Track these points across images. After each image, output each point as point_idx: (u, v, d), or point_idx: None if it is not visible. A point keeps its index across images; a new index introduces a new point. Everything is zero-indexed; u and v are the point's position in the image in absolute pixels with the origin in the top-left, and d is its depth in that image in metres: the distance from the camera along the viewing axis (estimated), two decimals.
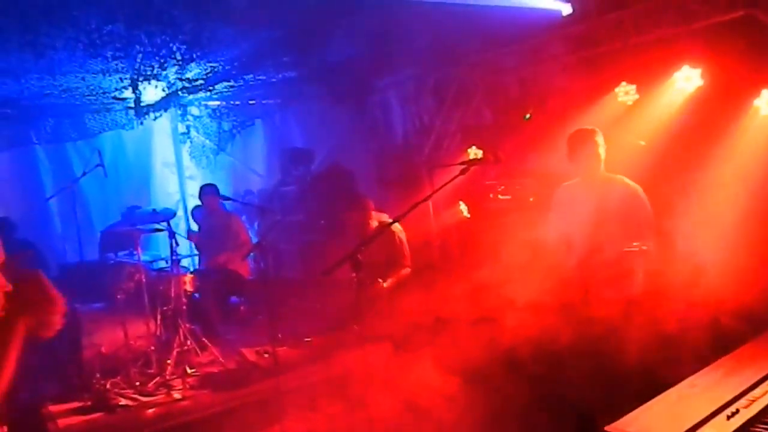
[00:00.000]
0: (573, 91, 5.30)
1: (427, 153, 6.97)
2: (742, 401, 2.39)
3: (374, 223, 5.22)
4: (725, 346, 3.11)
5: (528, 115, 5.65)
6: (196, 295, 6.06)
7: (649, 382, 3.61)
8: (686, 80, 4.42)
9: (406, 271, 5.25)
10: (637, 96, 4.81)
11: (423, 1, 4.86)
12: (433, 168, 4.65)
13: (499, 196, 5.79)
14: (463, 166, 3.40)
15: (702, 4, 4.26)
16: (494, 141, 5.40)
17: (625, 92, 4.84)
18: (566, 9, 4.80)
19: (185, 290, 5.82)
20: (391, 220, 3.64)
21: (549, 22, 4.96)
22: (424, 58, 6.66)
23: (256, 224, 7.91)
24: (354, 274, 3.44)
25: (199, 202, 7.12)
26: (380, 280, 4.92)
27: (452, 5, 4.83)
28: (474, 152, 5.88)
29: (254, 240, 7.12)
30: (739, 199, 4.30)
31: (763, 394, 2.41)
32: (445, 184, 3.38)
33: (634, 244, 3.51)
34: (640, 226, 3.66)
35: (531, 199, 5.51)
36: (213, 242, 6.50)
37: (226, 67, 6.85)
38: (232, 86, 7.60)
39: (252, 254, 6.26)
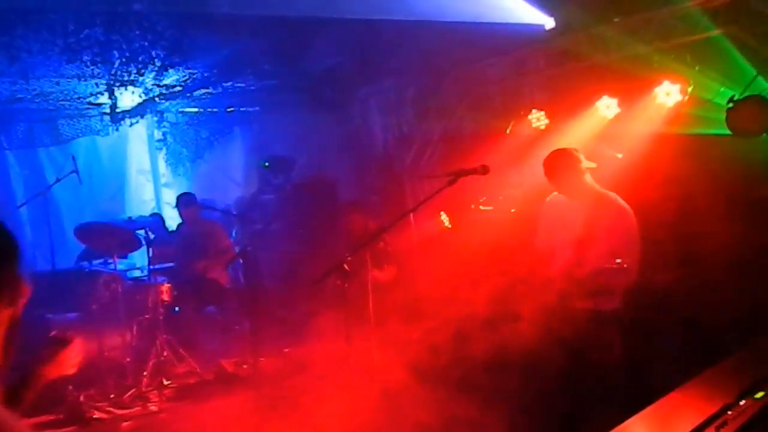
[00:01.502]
0: (555, 104, 5.37)
1: (409, 163, 6.98)
2: (731, 412, 2.41)
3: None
4: (709, 355, 3.15)
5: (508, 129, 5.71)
6: (176, 309, 5.94)
7: (629, 392, 3.67)
8: (666, 95, 4.50)
9: (392, 270, 5.22)
10: (618, 110, 4.88)
11: (407, 19, 4.89)
12: (422, 178, 4.67)
13: (481, 207, 5.82)
14: (451, 177, 3.41)
15: (683, 22, 4.36)
16: (477, 152, 5.42)
17: (607, 106, 4.92)
18: (549, 23, 4.86)
19: (162, 300, 5.72)
20: (379, 229, 3.63)
21: (532, 36, 5.02)
22: (406, 69, 6.70)
23: (234, 232, 7.82)
24: (339, 282, 3.42)
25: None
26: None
27: (435, 22, 4.87)
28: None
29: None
30: (717, 211, 4.40)
31: (751, 405, 2.43)
32: (434, 194, 3.39)
33: (617, 260, 3.52)
34: (625, 246, 3.66)
35: (512, 210, 5.54)
36: (192, 251, 6.39)
37: (205, 74, 6.79)
38: (210, 93, 7.53)
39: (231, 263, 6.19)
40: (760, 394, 2.54)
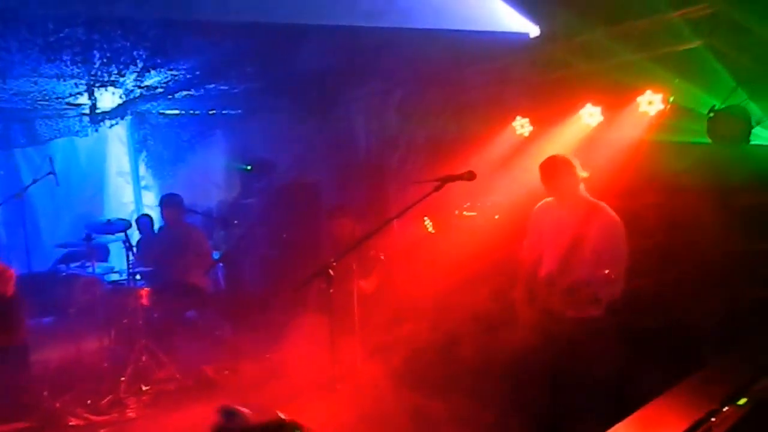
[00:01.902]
0: (539, 111, 5.41)
1: (395, 168, 6.98)
2: (715, 419, 2.43)
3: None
4: (692, 362, 3.18)
5: None
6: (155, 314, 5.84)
7: (614, 399, 3.69)
8: (649, 104, 4.57)
9: (377, 278, 5.21)
10: (601, 118, 4.94)
11: (393, 26, 4.90)
12: (408, 184, 4.68)
13: (465, 213, 5.84)
14: (438, 183, 3.41)
15: (665, 32, 4.43)
16: (462, 157, 5.44)
17: (590, 114, 4.97)
18: (534, 31, 4.90)
19: (141, 304, 5.63)
20: (366, 234, 3.61)
21: (517, 44, 5.05)
22: (391, 74, 6.69)
23: (215, 236, 7.72)
24: (324, 287, 3.39)
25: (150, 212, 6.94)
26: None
27: (421, 29, 4.88)
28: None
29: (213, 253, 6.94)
30: (699, 219, 4.46)
31: (735, 411, 2.46)
32: (421, 199, 3.38)
33: (605, 271, 3.53)
34: (612, 257, 3.66)
35: (496, 217, 5.57)
36: (173, 255, 6.29)
37: (188, 76, 6.72)
38: (192, 95, 7.46)
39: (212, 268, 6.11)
40: (742, 401, 2.58)
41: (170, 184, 8.46)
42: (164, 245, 6.39)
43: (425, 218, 6.16)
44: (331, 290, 3.38)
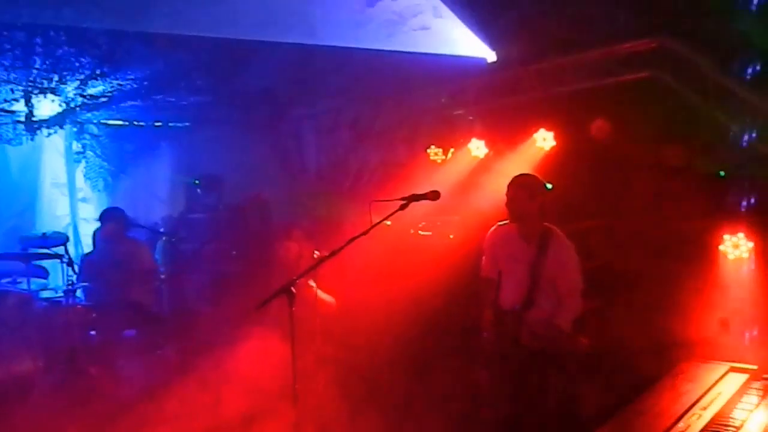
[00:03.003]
0: (494, 134, 5.54)
1: (348, 186, 6.97)
2: (680, 425, 2.53)
3: (316, 253, 5.05)
4: (639, 382, 3.26)
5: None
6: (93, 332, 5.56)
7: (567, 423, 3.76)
8: (598, 130, 4.76)
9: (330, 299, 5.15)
10: (554, 143, 5.10)
11: (347, 47, 4.92)
12: (373, 202, 4.68)
13: (420, 232, 5.87)
14: (403, 202, 3.40)
15: (613, 63, 4.64)
16: (417, 177, 5.50)
17: (543, 138, 5.13)
18: (491, 57, 5.04)
19: (78, 322, 5.35)
20: (328, 253, 3.55)
21: (474, 68, 5.18)
22: (344, 93, 6.71)
23: (158, 251, 7.44)
24: (286, 305, 3.31)
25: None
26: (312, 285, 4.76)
27: (376, 50, 4.92)
28: None
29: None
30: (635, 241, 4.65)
31: (689, 426, 2.55)
32: (386, 218, 3.37)
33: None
34: (569, 287, 3.73)
35: (451, 236, 5.62)
36: (115, 271, 6.02)
37: (135, 86, 6.52)
38: (137, 105, 7.23)
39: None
40: (694, 416, 2.68)
41: (111, 196, 8.12)
42: (106, 261, 6.11)
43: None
44: (293, 308, 3.30)
